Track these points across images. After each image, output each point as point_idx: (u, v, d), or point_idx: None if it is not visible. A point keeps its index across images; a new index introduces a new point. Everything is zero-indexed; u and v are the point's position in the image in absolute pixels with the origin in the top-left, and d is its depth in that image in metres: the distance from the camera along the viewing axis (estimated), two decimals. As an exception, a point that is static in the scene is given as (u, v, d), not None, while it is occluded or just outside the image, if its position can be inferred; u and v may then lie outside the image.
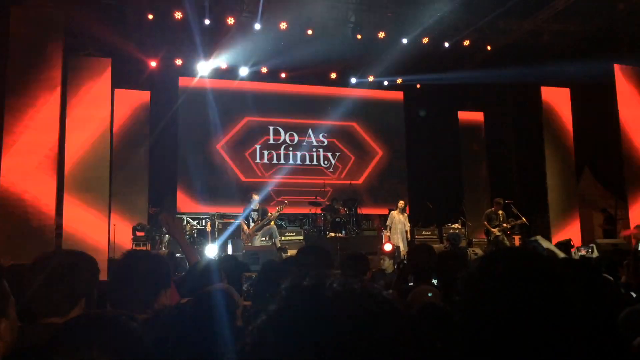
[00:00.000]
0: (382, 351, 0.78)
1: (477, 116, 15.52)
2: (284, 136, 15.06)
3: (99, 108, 10.88)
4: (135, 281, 2.24)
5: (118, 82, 11.61)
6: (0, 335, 1.34)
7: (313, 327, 0.76)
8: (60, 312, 2.07)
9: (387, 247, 6.74)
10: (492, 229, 11.20)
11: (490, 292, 1.21)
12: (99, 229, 10.17)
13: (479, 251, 10.94)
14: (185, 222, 11.73)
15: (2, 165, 8.95)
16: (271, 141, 15.00)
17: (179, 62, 13.70)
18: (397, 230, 11.73)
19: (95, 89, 10.97)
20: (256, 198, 10.44)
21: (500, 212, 11.36)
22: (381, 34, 13.13)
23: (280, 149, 14.99)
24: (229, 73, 14.26)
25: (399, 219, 11.87)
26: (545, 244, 2.92)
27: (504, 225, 11.21)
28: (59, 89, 9.83)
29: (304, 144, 15.21)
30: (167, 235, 10.40)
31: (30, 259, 2.20)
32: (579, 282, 1.99)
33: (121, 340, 1.27)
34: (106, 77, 10.99)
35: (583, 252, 9.93)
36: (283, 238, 11.21)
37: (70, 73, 10.61)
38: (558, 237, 11.41)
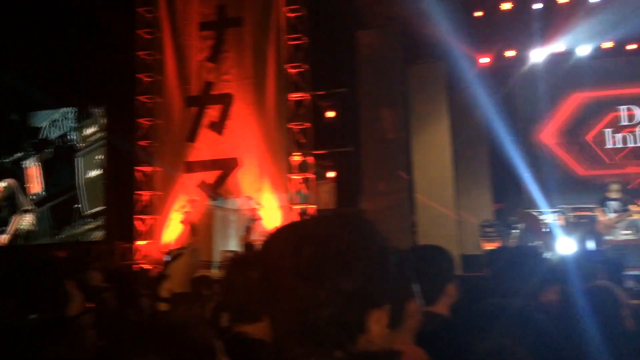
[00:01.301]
0: None
1: None
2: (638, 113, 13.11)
3: (437, 111, 11.50)
4: (521, 274, 2.26)
5: (452, 83, 12.03)
6: (412, 315, 1.49)
7: None
8: (429, 301, 2.21)
9: None
10: None
11: None
12: (447, 226, 10.76)
13: None
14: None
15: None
16: (623, 122, 13.23)
17: (510, 53, 13.34)
18: None
19: (432, 93, 11.64)
20: (615, 186, 9.37)
21: None
22: None
23: (636, 128, 13.08)
24: (565, 55, 13.19)
25: None
26: None
27: None
28: (401, 101, 10.76)
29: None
30: (514, 231, 10.22)
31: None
32: None
33: (529, 329, 1.27)
34: (441, 80, 11.54)
35: None
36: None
37: (410, 83, 11.46)
38: None
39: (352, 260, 0.90)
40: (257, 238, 11.29)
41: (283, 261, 0.92)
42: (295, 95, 12.05)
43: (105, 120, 14.04)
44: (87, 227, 14.01)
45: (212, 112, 12.49)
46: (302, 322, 0.89)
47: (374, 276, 0.92)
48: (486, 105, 12.97)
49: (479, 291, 3.04)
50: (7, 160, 14.81)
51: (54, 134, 14.63)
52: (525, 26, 11.91)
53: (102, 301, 2.61)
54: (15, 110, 14.65)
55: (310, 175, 11.98)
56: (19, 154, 14.74)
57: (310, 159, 12.02)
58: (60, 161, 14.50)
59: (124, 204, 12.99)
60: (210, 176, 12.36)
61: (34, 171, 14.57)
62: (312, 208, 11.85)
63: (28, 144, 14.72)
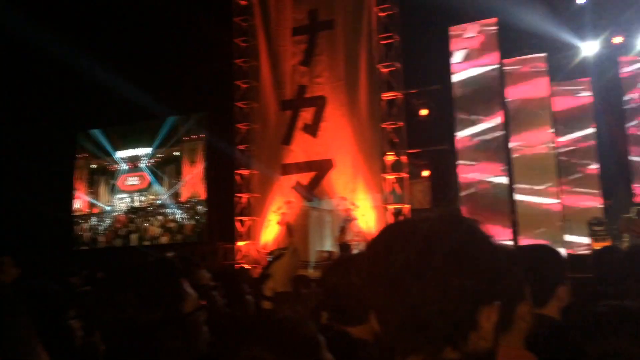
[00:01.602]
0: None
1: None
2: None
3: (537, 104, 10.99)
4: (636, 275, 2.13)
5: (554, 75, 11.43)
6: (523, 317, 1.45)
7: None
8: (539, 303, 2.12)
9: None
10: None
11: None
12: (550, 225, 10.27)
13: None
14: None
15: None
16: None
17: (617, 40, 12.42)
18: None
19: (532, 86, 11.13)
20: None
21: None
22: None
23: None
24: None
25: None
26: None
27: None
28: (498, 96, 10.38)
29: None
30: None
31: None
32: None
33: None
34: (542, 72, 11.01)
35: None
36: None
37: (508, 76, 11.04)
38: None
39: (462, 256, 0.90)
40: (352, 238, 11.36)
41: (392, 256, 0.93)
42: (387, 95, 12.00)
43: (205, 125, 14.78)
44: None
45: (306, 115, 12.73)
46: (411, 318, 0.90)
47: (485, 273, 0.92)
48: (591, 95, 12.20)
49: (587, 293, 2.88)
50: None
51: (160, 135, 15.67)
52: (634, 10, 11.06)
53: (211, 299, 2.75)
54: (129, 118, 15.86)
55: (404, 175, 11.87)
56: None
57: (404, 158, 11.90)
58: (166, 161, 15.50)
59: (225, 206, 13.56)
60: (305, 178, 12.59)
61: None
62: (406, 207, 11.73)
63: (137, 145, 15.96)
